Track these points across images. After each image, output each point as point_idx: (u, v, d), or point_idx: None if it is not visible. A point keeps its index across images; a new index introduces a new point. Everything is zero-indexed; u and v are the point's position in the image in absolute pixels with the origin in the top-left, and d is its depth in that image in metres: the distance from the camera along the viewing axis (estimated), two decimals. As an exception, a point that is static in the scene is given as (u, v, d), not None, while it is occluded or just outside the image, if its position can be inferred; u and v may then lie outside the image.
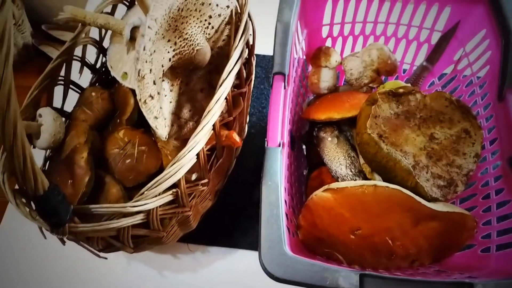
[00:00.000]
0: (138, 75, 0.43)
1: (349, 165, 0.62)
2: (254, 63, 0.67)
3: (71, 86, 0.65)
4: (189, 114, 0.58)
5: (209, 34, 0.56)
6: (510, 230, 0.50)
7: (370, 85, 0.68)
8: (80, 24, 0.62)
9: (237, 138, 0.59)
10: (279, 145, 0.51)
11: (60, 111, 0.63)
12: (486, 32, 0.60)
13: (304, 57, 0.69)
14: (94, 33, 0.65)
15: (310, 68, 0.72)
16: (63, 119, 0.62)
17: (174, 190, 0.50)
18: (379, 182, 0.51)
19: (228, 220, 0.74)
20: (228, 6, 0.58)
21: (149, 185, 0.48)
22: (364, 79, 0.67)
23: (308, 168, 0.72)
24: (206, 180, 0.58)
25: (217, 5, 0.56)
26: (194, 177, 0.57)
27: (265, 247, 0.44)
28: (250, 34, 0.63)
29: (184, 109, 0.58)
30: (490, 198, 0.55)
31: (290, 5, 0.58)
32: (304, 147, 0.73)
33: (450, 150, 0.59)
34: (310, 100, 0.75)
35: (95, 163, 0.57)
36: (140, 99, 0.45)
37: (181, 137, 0.58)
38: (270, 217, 0.45)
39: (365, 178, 0.61)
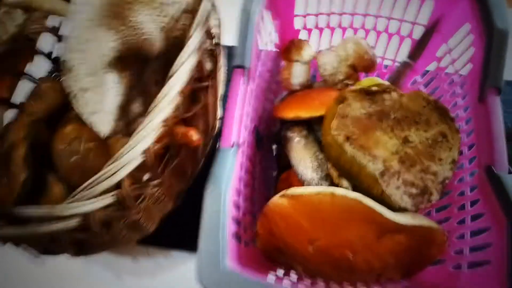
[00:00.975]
0: (64, 67, 0.39)
1: (316, 168, 0.58)
2: (222, 54, 0.62)
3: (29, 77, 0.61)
4: (140, 109, 0.53)
5: (162, 22, 0.52)
6: (483, 247, 0.45)
7: (346, 81, 0.63)
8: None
9: (194, 136, 0.54)
10: (233, 145, 0.47)
11: (10, 103, 0.59)
12: (470, 28, 0.54)
13: (277, 50, 0.64)
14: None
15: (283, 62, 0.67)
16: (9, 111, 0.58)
17: (116, 191, 0.46)
18: (337, 189, 0.47)
19: (193, 223, 0.70)
20: (184, -7, 0.53)
21: (83, 185, 0.44)
22: (339, 75, 0.62)
23: (277, 170, 0.68)
24: (158, 181, 0.53)
25: (170, -9, 0.51)
26: (146, 177, 0.53)
27: (203, 261, 0.39)
28: (216, 23, 0.58)
29: (135, 103, 0.53)
30: (465, 210, 0.50)
31: (253, -7, 0.53)
32: (274, 147, 0.69)
33: (425, 155, 0.54)
34: (283, 96, 0.70)
35: (43, 160, 0.53)
36: (69, 93, 0.41)
37: (130, 134, 0.53)
38: (211, 227, 0.41)
39: (332, 183, 0.56)
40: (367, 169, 0.49)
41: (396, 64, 0.67)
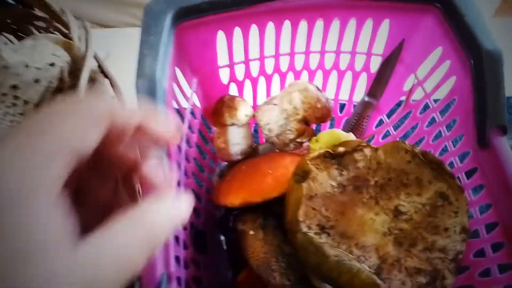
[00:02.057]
0: None
1: (284, 271, 0.42)
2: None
3: None
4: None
5: (20, 111, 0.34)
6: None
7: (298, 140, 0.48)
8: None
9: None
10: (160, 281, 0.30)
11: None
12: (443, 51, 0.42)
13: (201, 115, 0.48)
14: None
15: (214, 128, 0.51)
16: None
17: None
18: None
19: None
20: (52, 64, 0.36)
21: None
22: (288, 134, 0.47)
23: (232, 269, 0.51)
24: None
25: (26, 66, 0.34)
26: None
27: None
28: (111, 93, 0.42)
29: None
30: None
31: (153, 51, 0.37)
32: (222, 238, 0.52)
33: (425, 228, 0.40)
34: (222, 168, 0.54)
35: None
36: None
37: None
38: None
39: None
40: (362, 274, 0.34)
41: (354, 104, 0.54)
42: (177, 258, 0.37)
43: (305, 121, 0.48)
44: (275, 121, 0.47)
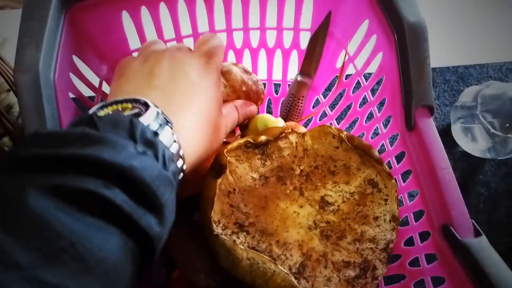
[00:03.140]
0: None
1: (209, 271, 0.39)
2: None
3: None
4: None
5: None
6: None
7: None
8: None
9: None
10: None
11: None
12: (369, 24, 0.39)
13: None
14: None
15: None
16: None
17: None
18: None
19: None
20: None
21: None
22: (214, 121, 0.43)
23: (166, 264, 0.48)
24: None
25: None
26: None
27: None
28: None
29: None
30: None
31: (35, 37, 0.32)
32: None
33: (354, 218, 0.37)
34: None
35: None
36: None
37: None
38: None
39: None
40: (278, 277, 0.31)
41: (288, 83, 0.50)
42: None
43: (233, 106, 0.44)
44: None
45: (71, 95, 0.36)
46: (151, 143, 0.23)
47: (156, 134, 0.24)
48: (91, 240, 0.18)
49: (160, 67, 0.31)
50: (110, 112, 0.25)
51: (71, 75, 0.36)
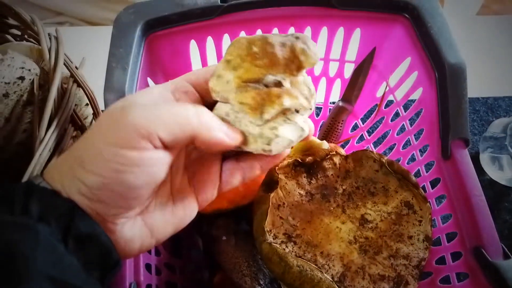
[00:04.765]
0: None
1: (255, 275, 0.43)
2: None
3: None
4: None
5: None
6: None
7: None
8: None
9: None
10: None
11: None
12: (411, 61, 0.43)
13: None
14: None
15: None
16: None
17: None
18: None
19: None
20: (21, 78, 0.37)
21: None
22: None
23: (209, 269, 0.52)
24: None
25: (-7, 82, 0.34)
26: None
27: None
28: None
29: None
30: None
31: (122, 64, 0.38)
32: (199, 240, 0.53)
33: (390, 236, 0.41)
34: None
35: None
36: None
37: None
38: None
39: (281, 291, 0.42)
40: (324, 284, 0.35)
41: (329, 108, 0.55)
42: (147, 266, 0.38)
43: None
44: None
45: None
46: None
47: None
48: None
49: None
50: None
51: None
